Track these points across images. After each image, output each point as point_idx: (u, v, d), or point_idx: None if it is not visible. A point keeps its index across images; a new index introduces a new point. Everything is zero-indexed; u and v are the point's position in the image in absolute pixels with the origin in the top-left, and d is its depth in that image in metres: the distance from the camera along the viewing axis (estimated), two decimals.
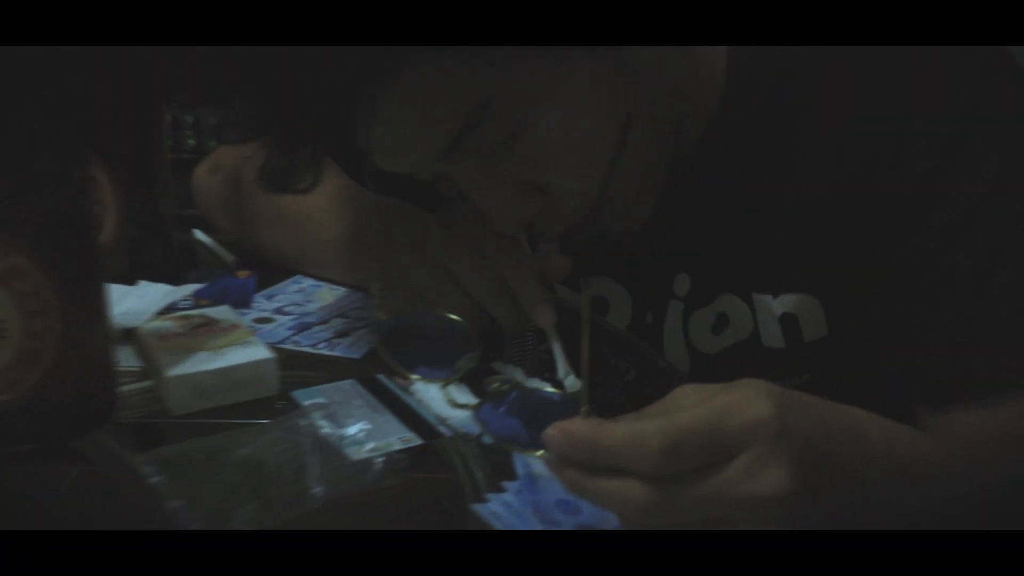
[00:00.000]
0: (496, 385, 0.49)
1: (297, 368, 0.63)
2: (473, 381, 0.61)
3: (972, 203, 0.56)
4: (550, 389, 0.51)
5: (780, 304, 0.64)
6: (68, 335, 0.49)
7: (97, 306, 0.52)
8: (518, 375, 0.62)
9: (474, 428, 0.54)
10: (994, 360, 0.56)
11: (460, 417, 0.55)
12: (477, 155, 0.55)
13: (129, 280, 0.69)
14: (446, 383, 0.55)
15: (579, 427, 0.40)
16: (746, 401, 0.41)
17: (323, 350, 0.65)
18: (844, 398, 0.67)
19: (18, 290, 0.47)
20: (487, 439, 0.53)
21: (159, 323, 0.61)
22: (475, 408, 0.48)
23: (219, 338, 0.59)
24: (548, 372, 0.62)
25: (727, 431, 0.40)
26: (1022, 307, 0.56)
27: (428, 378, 0.54)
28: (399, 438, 0.53)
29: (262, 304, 0.72)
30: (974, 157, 0.56)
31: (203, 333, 0.60)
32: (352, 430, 0.51)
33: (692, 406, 0.41)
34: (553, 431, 0.40)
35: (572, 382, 0.59)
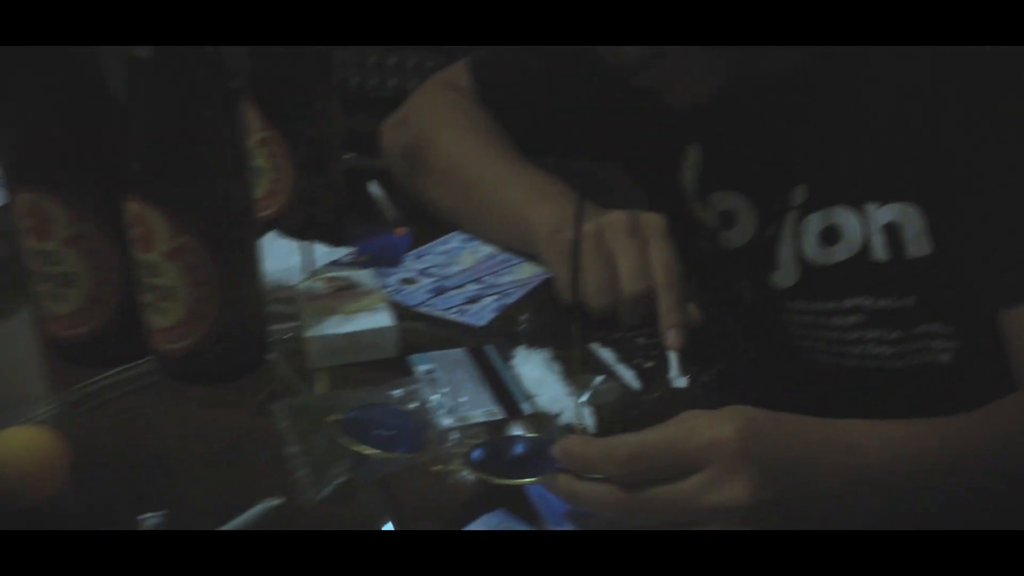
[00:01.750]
0: (473, 441, 0.55)
1: (430, 329, 0.73)
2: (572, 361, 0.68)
3: None
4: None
5: (885, 213, 0.68)
6: (226, 298, 0.61)
7: (251, 274, 0.63)
8: (609, 358, 0.68)
9: (554, 408, 0.62)
10: None
11: (547, 397, 0.63)
12: None
13: (301, 236, 0.80)
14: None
15: (573, 443, 0.49)
16: (710, 424, 0.47)
17: (453, 315, 0.74)
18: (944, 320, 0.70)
19: (186, 263, 0.59)
20: (565, 420, 0.60)
21: (311, 283, 0.72)
22: (469, 453, 0.54)
23: (354, 302, 0.69)
24: (639, 360, 0.68)
25: (686, 449, 0.47)
26: None
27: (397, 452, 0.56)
28: (484, 411, 0.61)
29: (411, 264, 0.82)
30: None
31: (342, 296, 0.70)
32: (444, 399, 0.59)
33: (666, 426, 0.47)
34: (556, 448, 0.50)
35: (682, 383, 0.65)
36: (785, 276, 0.74)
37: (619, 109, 0.80)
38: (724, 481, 0.46)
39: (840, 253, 0.71)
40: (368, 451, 0.53)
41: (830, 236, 0.71)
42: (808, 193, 0.71)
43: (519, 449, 0.53)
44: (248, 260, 0.62)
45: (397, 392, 0.60)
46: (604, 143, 0.86)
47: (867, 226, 0.69)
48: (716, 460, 0.46)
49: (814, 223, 0.71)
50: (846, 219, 0.70)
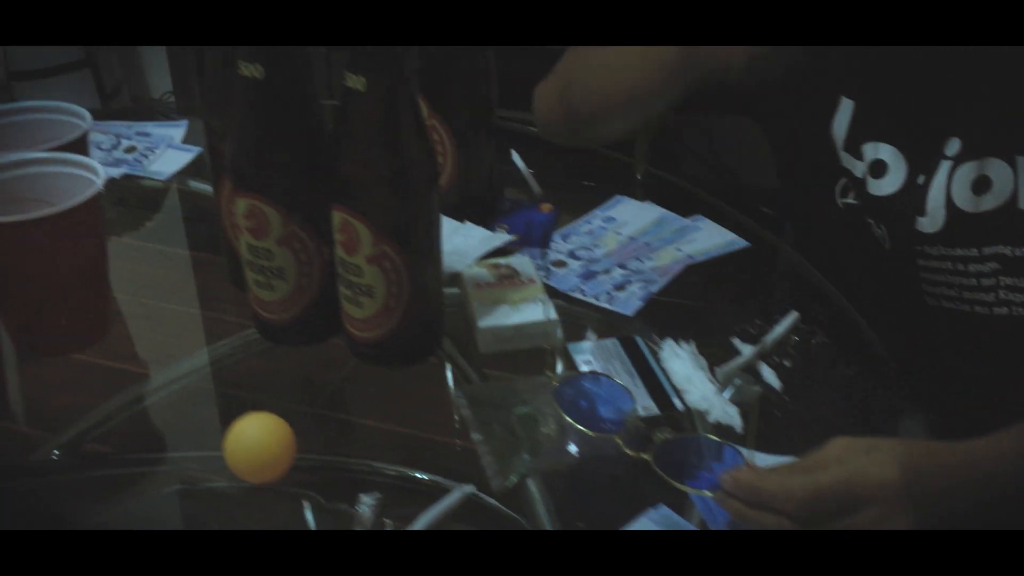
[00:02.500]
0: (663, 435, 0.61)
1: (581, 312, 0.80)
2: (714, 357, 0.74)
3: None
4: (713, 436, 0.63)
5: None
6: (415, 295, 0.68)
7: (436, 271, 0.70)
8: (749, 354, 0.74)
9: (703, 405, 0.69)
10: None
11: (696, 394, 0.69)
12: None
13: (458, 217, 0.87)
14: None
15: (745, 476, 0.56)
16: (878, 466, 0.54)
17: (603, 302, 0.80)
18: None
19: (384, 267, 0.66)
20: (713, 418, 0.67)
21: (476, 269, 0.79)
22: (651, 455, 0.60)
23: (518, 292, 0.76)
24: (777, 356, 0.74)
25: (858, 491, 0.54)
26: None
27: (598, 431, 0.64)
28: (641, 406, 0.68)
29: (558, 244, 0.89)
30: None
31: (507, 285, 0.77)
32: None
33: (834, 463, 0.54)
34: (727, 476, 0.56)
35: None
36: (932, 222, 0.78)
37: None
38: (890, 515, 0.53)
39: (988, 202, 0.75)
40: (576, 425, 0.61)
41: (980, 185, 0.75)
42: (962, 145, 0.75)
43: (697, 451, 0.59)
44: (435, 259, 0.70)
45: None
46: (756, 97, 0.89)
47: (1017, 177, 0.73)
48: (883, 498, 0.53)
49: (966, 173, 0.75)
50: (998, 170, 0.74)
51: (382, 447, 0.68)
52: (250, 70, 0.63)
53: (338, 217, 0.66)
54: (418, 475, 0.63)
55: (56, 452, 0.67)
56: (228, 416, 0.62)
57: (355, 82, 0.61)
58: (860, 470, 0.54)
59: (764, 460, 0.59)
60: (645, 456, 0.60)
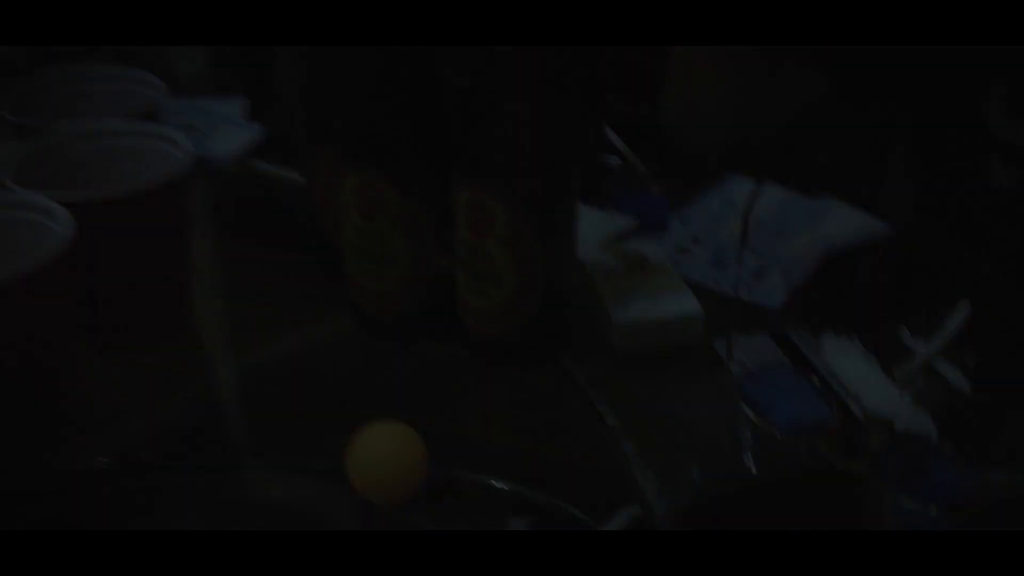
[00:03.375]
0: (879, 441, 0.53)
1: (718, 304, 0.70)
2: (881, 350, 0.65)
3: None
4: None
5: None
6: (550, 283, 0.59)
7: (572, 261, 0.61)
8: (923, 348, 0.65)
9: (886, 413, 0.59)
10: None
11: (875, 400, 0.60)
12: None
13: None
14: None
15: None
16: None
17: (741, 292, 0.71)
18: None
19: (518, 253, 0.57)
20: (901, 426, 0.58)
21: (602, 256, 0.70)
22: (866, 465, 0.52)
23: (653, 281, 0.67)
24: (957, 354, 0.65)
25: None
26: None
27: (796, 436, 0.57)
28: (814, 411, 0.59)
29: (677, 229, 0.79)
30: None
31: (638, 274, 0.67)
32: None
33: None
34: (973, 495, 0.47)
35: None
36: None
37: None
38: None
39: None
40: (768, 428, 0.53)
41: None
42: None
43: (919, 463, 0.50)
44: (572, 243, 0.60)
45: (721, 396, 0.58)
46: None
47: None
48: None
49: None
50: None
51: (495, 458, 0.59)
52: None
53: (466, 195, 0.56)
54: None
55: (104, 460, 0.58)
56: (293, 422, 0.55)
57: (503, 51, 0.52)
58: None
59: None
60: (856, 466, 0.50)
